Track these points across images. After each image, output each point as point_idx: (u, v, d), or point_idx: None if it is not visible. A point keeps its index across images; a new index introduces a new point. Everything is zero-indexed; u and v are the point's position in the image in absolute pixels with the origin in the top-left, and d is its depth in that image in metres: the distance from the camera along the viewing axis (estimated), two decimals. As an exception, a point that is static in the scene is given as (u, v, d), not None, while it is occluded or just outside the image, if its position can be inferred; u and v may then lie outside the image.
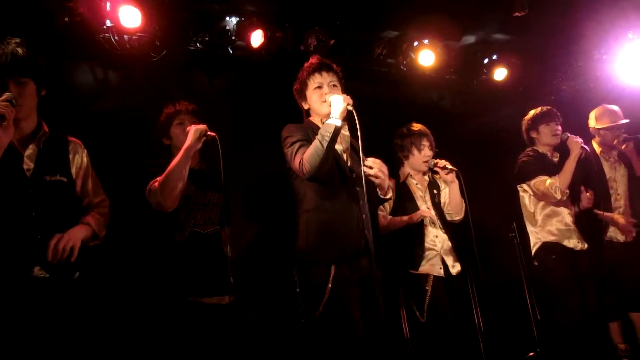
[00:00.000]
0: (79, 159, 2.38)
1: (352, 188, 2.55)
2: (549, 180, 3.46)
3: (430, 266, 3.16)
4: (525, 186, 3.63)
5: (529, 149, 3.72)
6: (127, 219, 2.94)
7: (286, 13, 3.76)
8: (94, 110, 3.33)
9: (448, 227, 3.32)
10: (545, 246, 3.52)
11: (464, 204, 3.29)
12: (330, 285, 2.37)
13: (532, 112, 3.74)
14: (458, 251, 3.28)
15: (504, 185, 3.92)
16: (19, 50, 2.16)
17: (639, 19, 4.14)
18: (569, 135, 3.54)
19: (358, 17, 3.91)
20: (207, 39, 3.55)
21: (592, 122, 3.82)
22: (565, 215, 3.56)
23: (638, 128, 3.86)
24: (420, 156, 3.35)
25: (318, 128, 2.54)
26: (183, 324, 2.45)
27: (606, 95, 4.36)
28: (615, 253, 3.67)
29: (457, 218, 3.33)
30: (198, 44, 3.57)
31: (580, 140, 3.48)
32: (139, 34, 3.29)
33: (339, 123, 2.36)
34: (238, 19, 3.58)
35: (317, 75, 2.62)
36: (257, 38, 3.62)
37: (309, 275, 2.46)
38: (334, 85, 2.62)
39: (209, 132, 2.57)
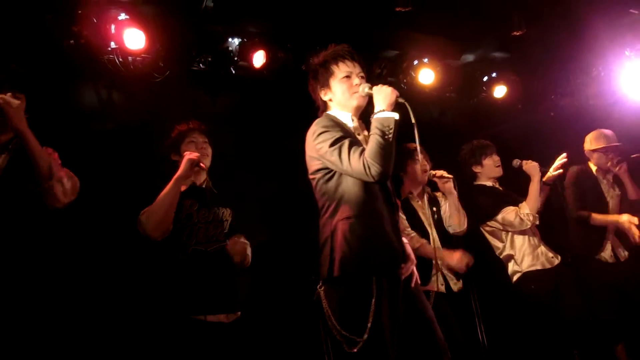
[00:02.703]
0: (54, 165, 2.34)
1: (387, 191, 2.25)
2: (518, 210, 3.38)
3: (432, 282, 3.16)
4: (491, 223, 3.51)
5: (477, 185, 3.62)
6: (131, 237, 2.97)
7: (287, 34, 3.83)
8: (99, 130, 3.39)
9: (449, 243, 3.30)
10: (527, 276, 3.44)
11: (464, 215, 3.26)
12: (374, 301, 2.05)
13: (468, 147, 3.67)
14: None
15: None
16: (19, 71, 2.28)
17: (635, 37, 4.21)
18: (521, 161, 3.48)
19: (359, 37, 3.97)
20: (209, 59, 3.62)
21: (587, 145, 3.84)
22: (530, 236, 3.51)
23: (638, 143, 3.91)
24: (417, 166, 3.30)
25: (345, 124, 2.26)
26: (187, 342, 2.42)
27: (605, 111, 4.41)
28: (606, 274, 3.65)
29: (460, 230, 3.27)
30: (201, 65, 3.63)
31: (536, 163, 3.41)
32: (143, 55, 3.35)
33: (397, 116, 2.09)
34: (240, 40, 3.65)
35: (347, 62, 2.28)
36: (259, 58, 3.69)
37: (348, 292, 2.10)
38: (362, 77, 2.30)
39: (201, 164, 2.62)
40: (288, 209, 3.94)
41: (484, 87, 4.59)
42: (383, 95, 2.13)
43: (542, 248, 3.50)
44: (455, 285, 3.19)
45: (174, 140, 2.77)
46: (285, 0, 3.55)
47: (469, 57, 4.47)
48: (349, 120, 2.29)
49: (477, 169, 3.61)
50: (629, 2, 3.95)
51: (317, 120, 2.26)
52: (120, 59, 3.29)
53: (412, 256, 2.33)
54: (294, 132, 4.04)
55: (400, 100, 2.14)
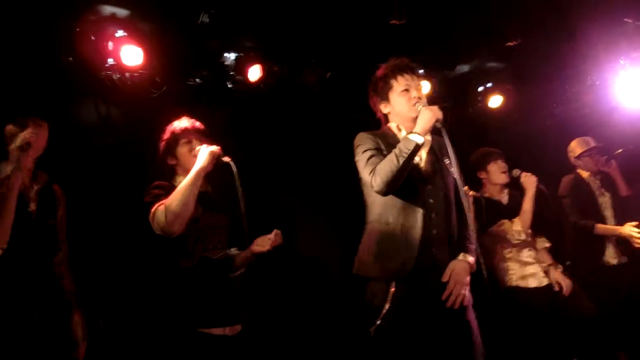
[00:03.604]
0: (62, 209, 2.48)
1: (424, 201, 2.29)
2: (510, 225, 3.42)
3: None
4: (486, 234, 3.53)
5: (477, 196, 3.58)
6: (131, 247, 2.98)
7: (283, 48, 3.89)
8: (98, 144, 3.45)
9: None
10: (506, 291, 3.45)
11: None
12: (388, 304, 2.18)
13: (474, 155, 3.67)
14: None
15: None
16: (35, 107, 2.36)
17: (630, 45, 4.22)
18: (521, 172, 3.47)
19: (354, 50, 4.03)
20: (206, 74, 3.69)
21: (572, 154, 3.95)
22: (524, 252, 3.48)
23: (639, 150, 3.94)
24: None
25: (394, 136, 2.39)
26: (193, 356, 2.27)
27: (601, 119, 4.43)
28: (613, 277, 3.66)
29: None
30: (197, 80, 3.69)
31: (534, 177, 3.40)
32: (140, 71, 3.40)
33: (420, 140, 2.16)
34: (236, 54, 3.71)
35: (406, 76, 2.37)
36: (255, 72, 3.74)
37: (367, 291, 2.28)
38: (421, 90, 2.39)
39: (223, 158, 2.39)
40: (286, 220, 3.97)
41: (479, 97, 4.60)
42: (422, 118, 2.21)
43: (535, 266, 3.46)
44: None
45: (169, 142, 2.54)
46: (280, 14, 3.60)
47: (464, 68, 4.51)
48: (397, 131, 2.42)
49: (482, 175, 3.61)
50: (623, 11, 3.98)
51: (357, 135, 2.41)
52: (118, 75, 3.35)
53: (455, 272, 2.27)
54: (290, 145, 4.13)
55: (438, 125, 2.20)
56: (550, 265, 3.46)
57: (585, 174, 3.91)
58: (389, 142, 2.35)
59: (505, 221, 3.45)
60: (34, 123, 2.27)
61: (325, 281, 4.10)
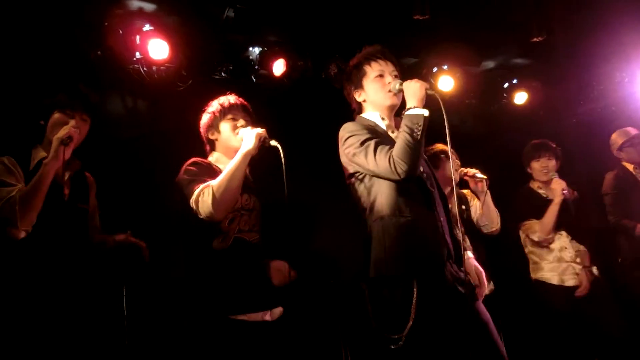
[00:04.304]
0: (93, 195, 2.59)
1: (425, 188, 2.19)
2: (533, 227, 3.48)
3: None
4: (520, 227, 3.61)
5: (525, 187, 3.68)
6: (162, 228, 3.01)
7: (307, 42, 3.91)
8: (125, 137, 3.50)
9: (481, 244, 3.29)
10: (536, 284, 3.50)
11: (497, 214, 3.24)
12: (415, 301, 2.00)
13: (526, 148, 3.70)
14: (491, 268, 3.21)
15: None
16: (93, 95, 2.44)
17: (661, 41, 4.13)
18: (554, 177, 3.45)
19: (377, 45, 4.02)
20: (231, 68, 3.72)
21: (614, 146, 3.87)
22: (558, 249, 3.48)
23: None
24: (449, 164, 3.06)
25: (376, 125, 2.27)
26: (229, 347, 2.12)
27: (629, 117, 4.34)
28: None
29: (494, 229, 3.25)
30: (222, 73, 3.73)
31: (563, 184, 3.36)
32: (166, 64, 3.46)
33: (426, 113, 2.04)
34: (261, 49, 3.74)
35: (380, 62, 2.30)
36: (279, 67, 3.77)
37: (389, 292, 2.07)
38: (395, 76, 2.28)
39: (270, 141, 2.26)
40: (306, 215, 3.99)
41: (504, 94, 4.57)
42: (412, 91, 2.10)
43: (567, 265, 3.44)
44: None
45: (215, 115, 2.43)
46: (304, 9, 3.61)
47: (489, 64, 4.47)
48: (380, 121, 2.29)
49: (529, 170, 3.68)
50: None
51: (344, 126, 2.26)
52: (145, 69, 3.41)
53: (475, 268, 2.28)
54: (314, 139, 4.14)
55: (430, 92, 2.11)
56: (584, 267, 3.43)
57: (630, 166, 3.81)
58: (376, 130, 2.24)
59: (534, 220, 3.48)
60: (80, 118, 2.35)
61: (344, 277, 4.10)
